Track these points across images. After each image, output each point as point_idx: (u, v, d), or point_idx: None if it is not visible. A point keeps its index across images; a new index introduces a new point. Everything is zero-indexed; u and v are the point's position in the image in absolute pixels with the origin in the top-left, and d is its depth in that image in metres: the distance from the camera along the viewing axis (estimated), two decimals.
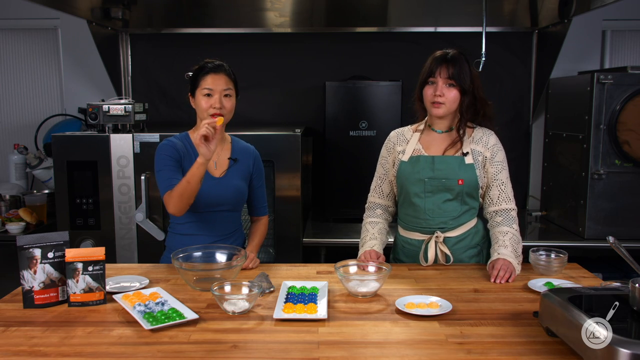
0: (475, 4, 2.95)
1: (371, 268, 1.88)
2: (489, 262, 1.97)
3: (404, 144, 2.12)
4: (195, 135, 1.96)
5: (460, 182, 2.01)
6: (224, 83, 2.03)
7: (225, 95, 2.04)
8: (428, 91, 2.01)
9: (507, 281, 1.87)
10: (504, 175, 2.07)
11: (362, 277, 1.78)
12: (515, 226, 2.04)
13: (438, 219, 2.05)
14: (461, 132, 2.05)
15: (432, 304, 1.64)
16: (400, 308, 1.60)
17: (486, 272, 1.97)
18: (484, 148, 2.06)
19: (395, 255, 2.24)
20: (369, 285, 1.74)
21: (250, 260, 2.04)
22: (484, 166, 2.06)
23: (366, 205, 2.23)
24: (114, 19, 3.40)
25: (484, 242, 2.14)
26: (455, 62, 1.97)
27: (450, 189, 2.02)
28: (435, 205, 2.04)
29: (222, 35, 3.68)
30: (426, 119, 2.13)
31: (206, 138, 1.88)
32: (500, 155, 2.08)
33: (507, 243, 1.97)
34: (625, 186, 2.90)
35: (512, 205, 2.06)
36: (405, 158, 2.08)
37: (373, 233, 2.13)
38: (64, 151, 2.90)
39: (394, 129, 2.21)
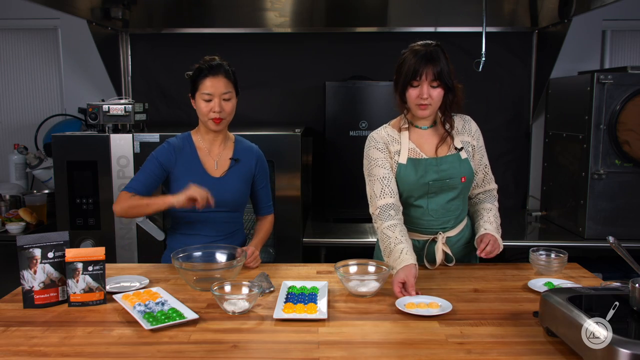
0: (475, 4, 2.94)
1: (371, 268, 1.88)
2: (476, 236, 2.00)
3: (396, 143, 2.01)
4: (182, 196, 1.92)
5: (463, 179, 2.00)
6: (222, 86, 2.03)
7: (225, 99, 2.04)
8: (413, 93, 1.92)
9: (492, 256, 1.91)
10: (486, 159, 2.12)
11: (362, 277, 1.78)
12: (496, 203, 2.13)
13: (442, 219, 2.03)
14: (447, 126, 2.00)
15: (432, 304, 1.64)
16: (400, 308, 1.60)
17: (486, 272, 1.97)
18: (470, 137, 2.06)
19: None
20: (369, 285, 1.74)
21: (251, 254, 2.02)
22: (473, 156, 2.07)
23: (376, 213, 1.94)
24: (114, 19, 3.40)
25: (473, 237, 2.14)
26: (438, 60, 1.89)
27: (454, 188, 2.00)
28: (439, 205, 2.01)
29: (222, 35, 3.67)
30: (405, 115, 2.03)
31: (194, 200, 1.90)
32: (481, 139, 2.10)
33: (492, 219, 2.04)
34: (625, 186, 2.90)
35: (494, 185, 2.16)
36: (403, 160, 1.98)
37: (396, 237, 1.87)
38: (64, 151, 2.90)
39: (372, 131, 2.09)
